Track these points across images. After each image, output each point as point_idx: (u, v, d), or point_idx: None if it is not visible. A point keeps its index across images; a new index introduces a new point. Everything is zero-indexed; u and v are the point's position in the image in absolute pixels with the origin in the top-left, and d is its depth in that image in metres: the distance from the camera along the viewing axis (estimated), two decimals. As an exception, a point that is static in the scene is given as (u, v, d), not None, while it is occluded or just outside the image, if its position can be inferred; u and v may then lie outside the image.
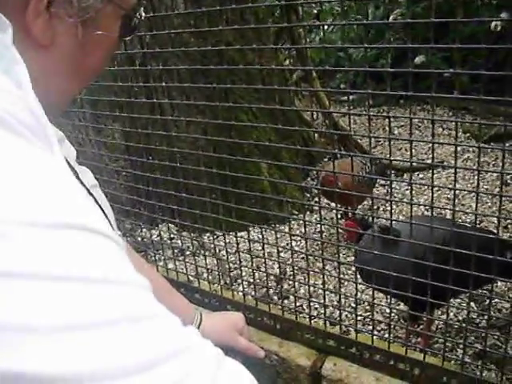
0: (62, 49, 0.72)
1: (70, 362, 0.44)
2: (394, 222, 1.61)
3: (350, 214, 3.22)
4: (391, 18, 4.54)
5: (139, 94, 2.58)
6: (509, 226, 2.95)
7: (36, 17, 0.66)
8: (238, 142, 1.80)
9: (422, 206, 3.30)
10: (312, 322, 1.87)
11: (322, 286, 1.81)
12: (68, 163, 0.86)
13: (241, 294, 2.06)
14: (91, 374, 0.44)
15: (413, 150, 1.45)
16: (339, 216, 3.00)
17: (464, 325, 2.21)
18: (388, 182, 3.70)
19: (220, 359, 0.58)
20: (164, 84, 2.41)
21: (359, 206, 3.32)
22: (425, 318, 2.09)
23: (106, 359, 0.46)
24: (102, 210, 0.93)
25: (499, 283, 2.43)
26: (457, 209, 1.46)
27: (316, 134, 4.23)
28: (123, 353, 0.47)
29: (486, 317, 2.28)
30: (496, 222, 2.95)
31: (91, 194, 0.93)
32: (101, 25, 0.75)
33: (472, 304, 2.36)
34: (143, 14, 0.86)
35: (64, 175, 0.56)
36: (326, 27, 5.72)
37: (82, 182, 0.90)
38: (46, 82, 0.71)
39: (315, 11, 6.14)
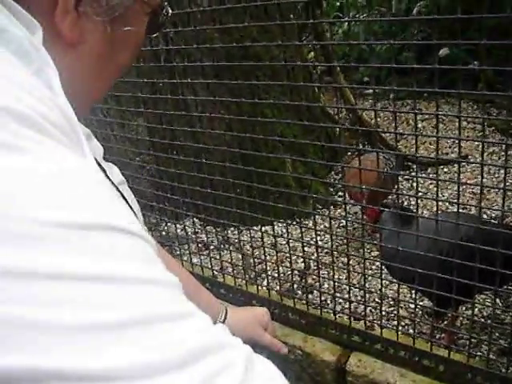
0: (91, 47, 0.72)
1: (107, 360, 0.45)
2: (419, 220, 1.60)
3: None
4: (415, 10, 4.52)
5: (164, 89, 2.58)
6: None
7: (64, 16, 0.66)
8: (262, 137, 1.80)
9: (446, 202, 3.28)
10: (336, 317, 1.88)
11: (346, 281, 1.81)
12: (96, 161, 0.86)
13: (265, 288, 2.07)
14: (129, 371, 0.45)
15: (438, 144, 1.44)
16: (363, 211, 3.00)
17: (489, 321, 2.21)
18: (411, 176, 3.69)
19: (251, 358, 0.58)
20: (189, 80, 2.42)
21: (384, 201, 3.30)
22: (449, 314, 2.08)
23: (141, 358, 0.47)
24: (130, 207, 0.94)
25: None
26: (482, 204, 1.44)
27: (340, 129, 4.21)
28: (157, 351, 0.48)
29: (511, 313, 2.27)
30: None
31: (119, 191, 0.94)
32: (128, 22, 0.75)
33: (497, 300, 2.35)
34: (170, 11, 0.86)
35: (95, 176, 0.57)
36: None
37: (110, 180, 0.91)
38: (75, 81, 0.71)
39: (338, 3, 6.12)
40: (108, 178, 0.91)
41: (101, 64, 0.76)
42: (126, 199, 0.95)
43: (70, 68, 0.71)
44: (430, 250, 1.53)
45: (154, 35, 0.88)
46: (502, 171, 1.39)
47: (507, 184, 1.39)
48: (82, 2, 0.67)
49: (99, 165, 0.91)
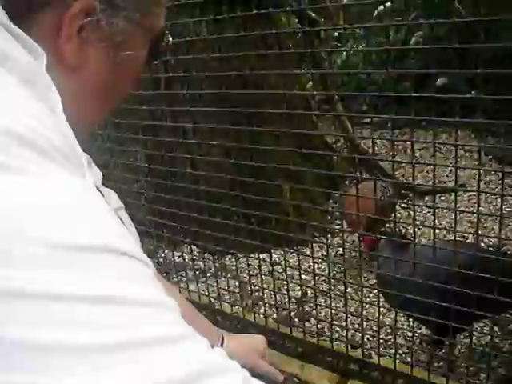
0: (93, 73, 0.73)
1: (107, 382, 0.45)
2: (417, 248, 1.61)
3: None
4: (413, 40, 4.56)
5: (163, 117, 2.60)
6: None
7: (68, 41, 0.67)
8: (261, 165, 1.81)
9: (443, 230, 3.29)
10: (334, 345, 1.87)
11: (343, 309, 1.81)
12: (95, 186, 0.87)
13: (262, 316, 2.06)
14: None
15: (435, 172, 1.45)
16: (360, 239, 3.00)
17: (487, 349, 2.20)
18: (409, 205, 3.70)
19: (248, 381, 0.58)
20: (189, 108, 2.43)
21: (381, 230, 3.31)
22: (447, 342, 2.07)
23: (139, 380, 0.47)
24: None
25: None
26: (479, 232, 1.45)
27: (338, 157, 4.23)
28: (153, 374, 0.48)
29: (509, 341, 2.26)
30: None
31: (117, 216, 0.94)
32: (130, 49, 0.76)
33: (495, 328, 2.34)
34: (170, 39, 0.87)
35: (96, 199, 0.58)
36: (347, 50, 5.73)
37: (108, 204, 0.92)
38: (76, 105, 0.72)
39: (336, 34, 6.17)
40: (107, 203, 0.91)
41: (102, 89, 0.77)
42: (124, 224, 0.96)
43: (72, 93, 0.71)
44: (428, 278, 1.53)
45: (155, 62, 0.89)
46: (499, 200, 1.41)
47: (504, 212, 1.40)
48: (85, 28, 0.68)
49: (98, 190, 0.91)
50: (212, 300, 2.19)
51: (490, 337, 1.66)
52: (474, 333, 2.19)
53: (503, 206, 1.38)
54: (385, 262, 1.91)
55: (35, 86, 0.60)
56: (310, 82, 5.40)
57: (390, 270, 1.59)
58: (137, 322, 0.50)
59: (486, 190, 3.71)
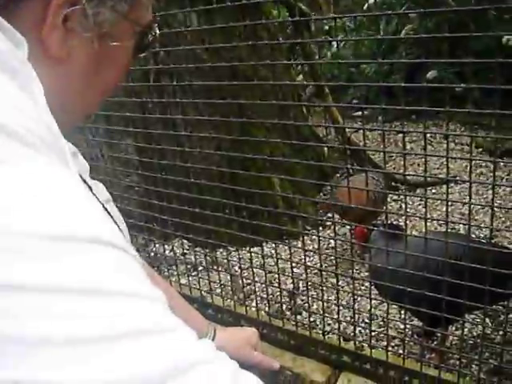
0: (77, 64, 0.72)
1: (93, 373, 0.44)
2: (409, 239, 1.60)
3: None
4: (403, 32, 4.56)
5: (153, 109, 2.59)
6: (523, 242, 2.93)
7: (52, 31, 0.66)
8: (251, 157, 1.80)
9: (435, 222, 3.29)
10: (326, 337, 1.87)
11: (335, 302, 1.81)
12: (81, 178, 0.86)
13: (254, 309, 2.06)
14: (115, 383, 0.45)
15: (426, 164, 1.45)
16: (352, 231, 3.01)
17: (479, 340, 2.20)
18: (400, 197, 3.71)
19: (236, 372, 0.58)
20: (178, 100, 2.42)
21: (373, 222, 3.31)
22: (439, 334, 2.08)
23: (126, 371, 0.46)
24: (116, 225, 0.94)
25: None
26: (469, 216, 1.44)
27: (328, 150, 4.23)
28: (141, 364, 0.48)
29: (500, 332, 2.27)
30: (510, 237, 2.94)
31: (105, 209, 0.93)
32: (116, 40, 0.75)
33: (487, 319, 2.34)
34: (157, 32, 0.86)
35: (79, 189, 0.57)
36: (338, 42, 5.73)
37: (96, 197, 0.91)
38: (61, 97, 0.71)
39: (326, 27, 6.18)
40: (94, 195, 0.91)
41: (88, 81, 0.75)
42: (112, 217, 0.95)
43: (57, 84, 0.70)
44: (420, 269, 1.52)
45: (142, 55, 0.88)
46: (490, 192, 1.40)
47: (495, 204, 1.40)
48: (71, 18, 0.67)
49: (84, 181, 0.90)
50: (203, 293, 2.18)
51: (481, 328, 1.66)
52: (465, 324, 2.20)
53: (494, 198, 1.38)
54: (377, 253, 1.91)
55: (17, 75, 0.59)
56: (301, 75, 5.40)
57: (383, 261, 1.59)
58: (123, 313, 0.49)
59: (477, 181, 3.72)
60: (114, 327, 0.47)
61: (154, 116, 2.23)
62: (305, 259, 1.91)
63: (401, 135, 4.84)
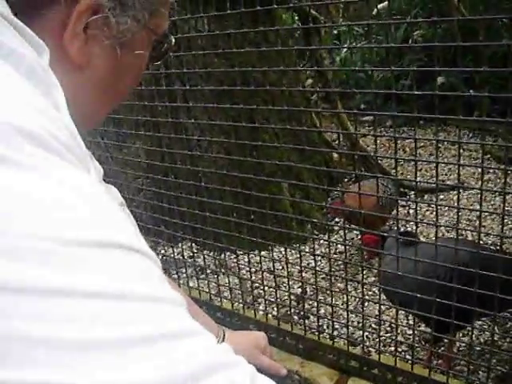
0: (97, 71, 0.73)
1: (117, 377, 0.45)
2: (419, 246, 1.61)
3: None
4: (412, 39, 4.57)
5: (163, 113, 2.60)
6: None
7: (73, 38, 0.67)
8: (260, 161, 1.81)
9: (442, 228, 3.29)
10: (334, 342, 1.87)
11: (343, 307, 1.81)
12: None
13: (262, 313, 2.06)
14: None
15: (434, 171, 1.45)
16: (360, 237, 3.01)
17: (487, 347, 2.20)
18: (408, 203, 3.71)
19: (254, 376, 0.58)
20: (189, 104, 2.43)
21: (381, 228, 3.31)
22: (447, 340, 2.08)
23: (150, 375, 0.47)
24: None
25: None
26: (480, 222, 1.45)
27: (336, 155, 4.23)
28: (164, 368, 0.48)
29: (508, 339, 2.27)
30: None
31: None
32: (135, 49, 0.76)
33: (495, 327, 2.34)
34: (173, 40, 0.87)
35: (103, 195, 0.58)
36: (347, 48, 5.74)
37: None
38: (80, 102, 0.72)
39: (335, 32, 6.18)
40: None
41: (105, 88, 0.76)
42: (129, 220, 0.96)
43: (76, 90, 0.71)
44: (429, 275, 1.53)
45: (158, 63, 0.89)
46: (498, 198, 1.41)
47: (505, 210, 1.40)
48: (92, 25, 0.68)
49: None
50: (212, 297, 2.19)
51: (489, 334, 1.66)
52: (473, 330, 2.20)
53: (502, 205, 1.38)
54: (390, 260, 1.91)
55: (39, 82, 0.60)
56: (310, 80, 5.41)
57: (394, 268, 1.59)
58: (148, 317, 0.50)
59: (485, 188, 3.72)
60: (141, 331, 0.48)
61: (164, 120, 2.24)
62: (315, 263, 1.91)
63: (408, 140, 4.85)
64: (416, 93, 1.34)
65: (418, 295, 1.54)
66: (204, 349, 0.54)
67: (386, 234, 2.13)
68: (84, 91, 0.74)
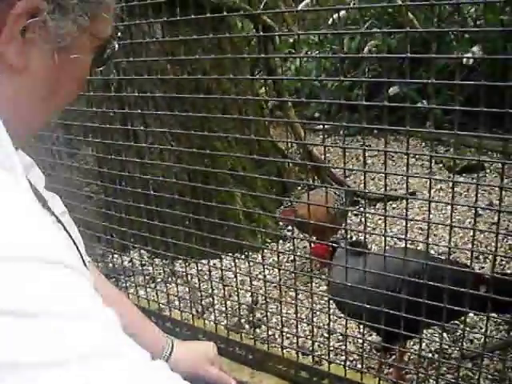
0: (36, 74, 0.71)
1: None
2: (369, 256, 1.61)
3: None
4: (366, 49, 4.61)
5: (114, 119, 2.56)
6: (480, 257, 2.97)
7: (10, 41, 0.65)
8: (212, 170, 1.80)
9: (394, 238, 3.32)
10: (284, 352, 1.86)
11: (294, 316, 1.80)
12: (36, 191, 0.85)
13: (212, 323, 2.04)
14: None
15: (386, 181, 1.46)
16: (312, 245, 3.01)
17: (436, 356, 2.22)
18: (360, 211, 3.73)
19: None
20: (139, 111, 2.40)
21: (332, 237, 3.32)
22: (397, 349, 2.08)
23: None
24: (71, 237, 0.93)
25: (470, 314, 2.43)
26: (429, 239, 1.46)
27: (289, 163, 4.24)
28: None
29: (457, 348, 2.29)
30: (468, 253, 2.97)
31: (60, 222, 0.92)
32: (76, 53, 0.74)
33: (444, 335, 2.36)
34: (116, 46, 0.86)
35: (27, 205, 0.55)
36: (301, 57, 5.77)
37: (50, 210, 0.89)
38: (18, 106, 0.70)
39: (291, 40, 6.21)
40: (48, 207, 0.89)
41: (45, 92, 0.74)
42: (66, 230, 0.93)
43: (15, 94, 0.69)
44: (378, 285, 1.53)
45: (100, 68, 0.87)
46: (449, 207, 1.41)
47: (453, 220, 1.41)
48: (30, 29, 0.66)
49: (39, 194, 0.89)
50: (161, 306, 2.16)
51: (439, 343, 1.67)
52: (423, 339, 2.21)
53: (453, 214, 1.39)
54: (339, 270, 1.91)
55: None
56: (263, 88, 5.42)
57: (343, 278, 1.59)
58: (71, 336, 0.48)
59: (436, 198, 3.76)
60: (66, 350, 0.46)
61: (115, 127, 2.21)
62: (264, 273, 1.90)
63: (361, 149, 4.89)
64: (364, 103, 1.34)
65: (367, 306, 1.53)
66: (133, 370, 0.52)
67: (335, 245, 2.13)
68: (23, 96, 0.72)
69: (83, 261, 0.94)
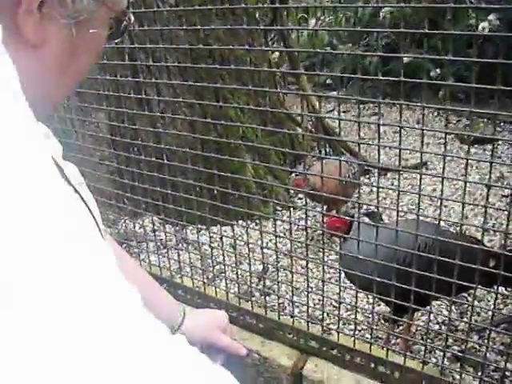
0: (53, 49, 0.71)
1: None
2: (380, 228, 1.61)
3: (333, 212, 3.24)
4: (381, 15, 4.56)
5: (127, 86, 2.56)
6: (490, 230, 2.97)
7: (27, 16, 0.65)
8: (225, 140, 1.80)
9: (405, 206, 3.33)
10: (294, 322, 1.88)
11: (304, 285, 1.81)
12: (54, 161, 0.85)
13: (223, 292, 2.05)
14: None
15: (397, 150, 1.45)
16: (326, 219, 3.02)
17: (444, 327, 2.24)
18: (371, 181, 3.73)
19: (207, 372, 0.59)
20: (153, 80, 2.39)
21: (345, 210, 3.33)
22: (405, 319, 2.11)
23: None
24: (88, 208, 0.93)
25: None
26: (440, 210, 1.46)
27: (302, 130, 4.23)
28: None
29: (465, 319, 2.31)
30: (478, 224, 2.98)
31: (77, 192, 0.93)
32: (92, 27, 0.74)
33: (452, 307, 2.38)
34: (132, 18, 0.86)
35: (46, 177, 0.56)
36: (314, 22, 5.72)
37: (68, 180, 0.90)
38: (36, 81, 0.70)
39: (304, 4, 6.15)
40: (67, 178, 0.90)
41: (62, 66, 0.75)
42: (83, 200, 0.94)
43: (32, 69, 0.70)
44: (389, 257, 1.54)
45: (116, 40, 0.88)
46: (461, 178, 1.42)
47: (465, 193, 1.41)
48: (47, 3, 0.66)
49: (57, 165, 0.89)
50: (173, 273, 2.18)
51: (447, 315, 1.68)
52: (431, 311, 2.23)
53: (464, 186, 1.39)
54: (355, 243, 1.92)
55: None
56: (277, 53, 5.39)
57: (354, 250, 1.59)
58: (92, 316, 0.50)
59: (448, 168, 3.75)
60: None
61: (128, 95, 2.20)
62: (275, 241, 1.91)
63: (374, 118, 4.88)
64: (381, 78, 1.33)
65: (378, 279, 1.55)
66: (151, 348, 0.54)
67: (351, 219, 2.13)
68: (40, 70, 0.72)
69: (100, 231, 0.95)
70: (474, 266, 1.35)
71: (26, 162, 0.53)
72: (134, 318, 0.55)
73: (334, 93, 5.33)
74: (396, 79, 1.24)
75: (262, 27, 3.04)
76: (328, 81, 5.64)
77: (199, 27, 1.62)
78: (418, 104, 1.24)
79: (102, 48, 0.82)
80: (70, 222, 0.54)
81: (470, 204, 3.11)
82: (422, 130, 1.33)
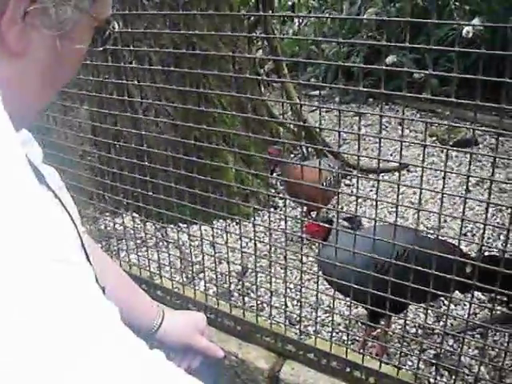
0: (36, 59, 0.71)
1: None
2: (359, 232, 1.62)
3: (312, 212, 3.26)
4: (365, 15, 4.58)
5: (110, 84, 2.54)
6: (468, 234, 3.00)
7: (11, 26, 0.65)
8: (207, 145, 1.79)
9: (385, 209, 3.34)
10: (272, 323, 1.88)
11: (283, 286, 1.82)
12: (34, 167, 0.85)
13: (202, 293, 2.04)
14: None
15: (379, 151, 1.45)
16: (303, 214, 3.02)
17: (420, 331, 2.26)
18: (352, 182, 3.75)
19: None
20: (136, 83, 2.37)
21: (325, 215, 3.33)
22: (382, 322, 2.12)
23: None
24: (68, 212, 0.93)
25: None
26: (420, 213, 1.47)
27: (284, 130, 4.24)
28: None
29: (441, 323, 2.32)
30: (456, 229, 3.00)
31: (57, 197, 0.92)
32: (75, 37, 0.74)
33: (428, 311, 2.40)
34: (116, 27, 0.85)
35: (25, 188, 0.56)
36: (300, 20, 5.73)
37: (48, 185, 0.90)
38: (18, 89, 0.70)
39: (290, 3, 6.15)
40: (47, 183, 0.90)
41: (45, 76, 0.74)
42: (64, 205, 0.94)
43: (13, 76, 0.69)
44: (368, 263, 1.55)
45: (100, 49, 0.87)
46: (440, 182, 1.43)
47: (444, 196, 1.42)
48: (31, 13, 0.66)
49: (37, 170, 0.89)
50: (152, 274, 2.17)
51: (423, 319, 1.69)
52: (408, 314, 2.25)
53: (443, 189, 1.40)
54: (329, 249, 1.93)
55: None
56: (260, 51, 5.39)
57: (341, 255, 1.59)
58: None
59: (428, 171, 3.77)
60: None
61: (112, 97, 2.19)
62: (255, 241, 1.89)
63: (356, 118, 4.88)
64: (362, 66, 1.33)
65: (355, 286, 1.55)
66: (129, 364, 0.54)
67: (329, 226, 2.13)
68: (22, 79, 0.72)
69: (78, 233, 0.95)
70: (448, 276, 1.36)
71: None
72: (111, 338, 0.55)
73: (317, 92, 5.34)
74: (377, 67, 1.24)
75: (245, 13, 3.03)
76: (312, 80, 5.65)
77: (183, 31, 1.62)
78: (399, 93, 1.24)
79: (84, 56, 0.82)
80: (47, 236, 0.54)
81: (450, 195, 3.13)
82: (402, 119, 1.33)
